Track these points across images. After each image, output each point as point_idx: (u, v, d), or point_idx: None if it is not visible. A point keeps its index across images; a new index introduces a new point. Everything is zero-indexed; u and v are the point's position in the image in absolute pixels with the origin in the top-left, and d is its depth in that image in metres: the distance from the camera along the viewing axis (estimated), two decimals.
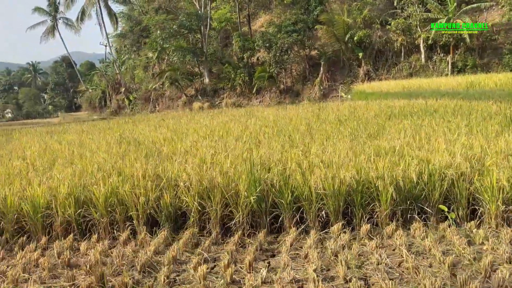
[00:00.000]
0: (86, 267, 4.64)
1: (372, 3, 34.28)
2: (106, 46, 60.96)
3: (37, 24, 58.96)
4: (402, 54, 33.89)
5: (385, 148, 6.80)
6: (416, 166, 5.41)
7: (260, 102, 38.30)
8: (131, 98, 47.60)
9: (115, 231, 5.67)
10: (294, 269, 4.32)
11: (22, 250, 5.32)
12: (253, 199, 5.33)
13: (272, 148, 7.43)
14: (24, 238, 5.65)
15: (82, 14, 49.12)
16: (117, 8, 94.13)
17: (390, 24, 33.54)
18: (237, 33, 39.83)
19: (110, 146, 9.23)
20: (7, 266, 4.81)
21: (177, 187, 5.79)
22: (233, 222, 5.51)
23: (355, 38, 32.86)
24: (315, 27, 35.06)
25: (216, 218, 5.50)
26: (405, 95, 23.52)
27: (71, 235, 5.55)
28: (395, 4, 35.15)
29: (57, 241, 5.40)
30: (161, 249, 5.16)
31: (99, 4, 47.97)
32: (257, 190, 5.37)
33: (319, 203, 5.39)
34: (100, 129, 14.73)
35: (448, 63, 31.01)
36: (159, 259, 4.88)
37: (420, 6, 32.21)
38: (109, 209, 5.67)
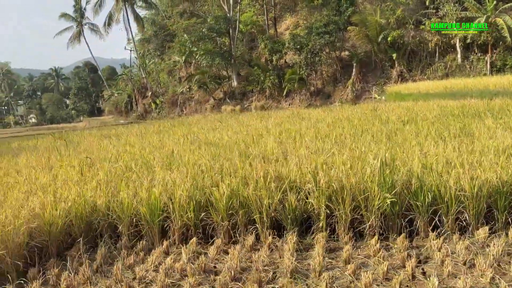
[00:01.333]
0: (231, 273, 4.42)
1: (405, 3, 33.72)
2: (131, 50, 61.57)
3: (63, 30, 59.98)
4: (437, 54, 33.21)
5: (501, 147, 6.45)
6: None
7: (289, 105, 37.99)
8: (157, 102, 47.80)
9: (237, 235, 5.44)
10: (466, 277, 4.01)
11: (148, 254, 5.14)
12: (389, 201, 5.04)
13: (371, 148, 7.13)
14: (144, 242, 5.47)
15: (110, 19, 49.62)
16: (140, 13, 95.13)
17: (424, 24, 32.93)
18: (266, 36, 39.70)
19: (189, 147, 9.05)
20: (146, 271, 4.62)
21: (299, 189, 5.54)
22: (363, 226, 5.24)
23: (389, 39, 32.32)
24: (348, 28, 34.63)
25: (345, 222, 5.24)
26: (448, 96, 22.97)
27: (194, 239, 5.34)
28: (427, 3, 34.54)
29: (184, 246, 5.21)
30: (294, 254, 4.90)
31: (125, 9, 48.39)
32: (392, 192, 5.09)
33: (458, 206, 5.07)
34: (157, 132, 14.62)
35: (486, 62, 30.25)
36: (299, 264, 4.64)
37: (457, 4, 31.52)
38: (229, 212, 5.45)
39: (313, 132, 10.21)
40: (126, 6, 48.18)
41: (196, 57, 42.22)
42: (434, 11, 33.50)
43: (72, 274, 4.48)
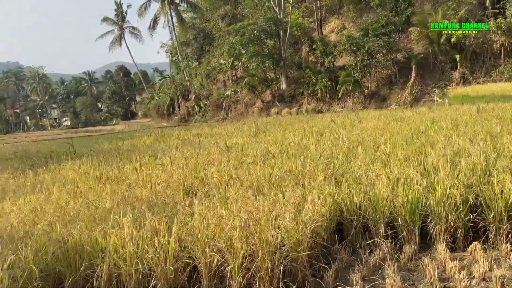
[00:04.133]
0: None
1: (468, 3, 32.58)
2: (171, 54, 61.91)
3: (104, 33, 60.82)
4: (502, 55, 31.96)
5: None
6: None
7: (342, 108, 37.24)
8: (201, 105, 47.60)
9: None
10: None
11: (437, 260, 4.51)
12: None
13: None
14: (412, 245, 4.83)
15: (154, 22, 49.87)
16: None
17: (487, 24, 31.73)
18: (317, 38, 39.13)
19: (348, 145, 8.44)
20: (482, 279, 3.97)
21: None
22: None
23: (452, 39, 31.24)
24: (408, 29, 33.73)
25: None
26: None
27: (476, 243, 4.67)
28: (487, 4, 33.43)
29: (458, 251, 4.56)
30: None
31: (170, 12, 48.53)
32: None
33: None
34: (256, 131, 14.08)
35: None
36: None
37: None
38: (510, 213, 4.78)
39: (468, 131, 9.47)
40: (171, 9, 48.31)
41: (243, 59, 41.80)
42: (498, 11, 32.31)
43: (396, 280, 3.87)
